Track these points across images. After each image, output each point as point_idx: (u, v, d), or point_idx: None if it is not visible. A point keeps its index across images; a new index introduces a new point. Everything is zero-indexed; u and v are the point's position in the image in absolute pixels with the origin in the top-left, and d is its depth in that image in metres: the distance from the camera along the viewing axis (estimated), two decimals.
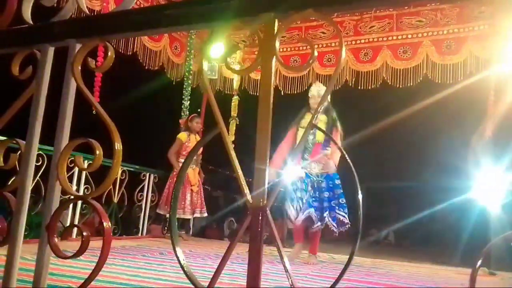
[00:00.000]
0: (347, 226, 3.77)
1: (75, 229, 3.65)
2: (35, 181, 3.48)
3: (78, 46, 0.84)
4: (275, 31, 0.68)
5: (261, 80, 0.67)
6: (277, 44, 0.68)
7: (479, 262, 0.61)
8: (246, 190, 0.66)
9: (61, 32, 0.87)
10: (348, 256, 0.70)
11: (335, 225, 3.73)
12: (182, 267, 0.68)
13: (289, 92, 6.05)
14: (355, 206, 0.78)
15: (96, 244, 0.88)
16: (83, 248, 0.74)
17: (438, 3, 4.89)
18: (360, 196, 0.76)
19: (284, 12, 0.68)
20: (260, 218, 0.62)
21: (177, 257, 0.72)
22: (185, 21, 0.76)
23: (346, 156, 0.80)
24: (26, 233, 2.93)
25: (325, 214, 3.73)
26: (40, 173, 3.55)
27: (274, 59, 0.67)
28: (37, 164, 3.33)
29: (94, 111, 0.81)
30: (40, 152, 3.48)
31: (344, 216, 3.73)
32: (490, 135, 3.28)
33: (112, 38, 0.88)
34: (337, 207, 3.77)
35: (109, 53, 0.79)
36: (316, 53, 0.69)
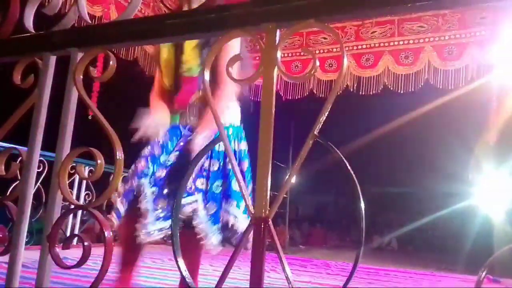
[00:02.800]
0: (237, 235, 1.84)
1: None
2: (36, 187, 3.48)
3: (79, 55, 0.84)
4: (277, 41, 0.68)
5: (263, 90, 0.67)
6: (279, 54, 0.68)
7: (483, 274, 0.60)
8: (248, 201, 0.66)
9: (63, 41, 0.87)
10: (349, 263, 0.69)
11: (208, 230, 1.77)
12: (184, 278, 0.67)
13: (290, 98, 6.07)
14: (356, 215, 0.76)
15: (97, 250, 0.88)
16: (84, 258, 0.73)
17: (440, 9, 4.89)
18: (362, 205, 0.75)
19: (285, 22, 0.68)
20: (262, 229, 0.62)
21: (179, 268, 0.71)
22: (186, 31, 0.76)
23: (346, 162, 0.79)
24: (27, 239, 2.93)
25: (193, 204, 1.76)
26: (40, 180, 3.55)
27: (275, 69, 0.67)
28: (38, 170, 3.33)
29: (90, 116, 0.81)
30: (41, 158, 3.48)
31: (236, 216, 1.81)
32: (494, 141, 3.27)
33: (114, 48, 0.88)
34: (225, 197, 1.85)
35: (111, 63, 0.79)
36: (318, 63, 0.69)
